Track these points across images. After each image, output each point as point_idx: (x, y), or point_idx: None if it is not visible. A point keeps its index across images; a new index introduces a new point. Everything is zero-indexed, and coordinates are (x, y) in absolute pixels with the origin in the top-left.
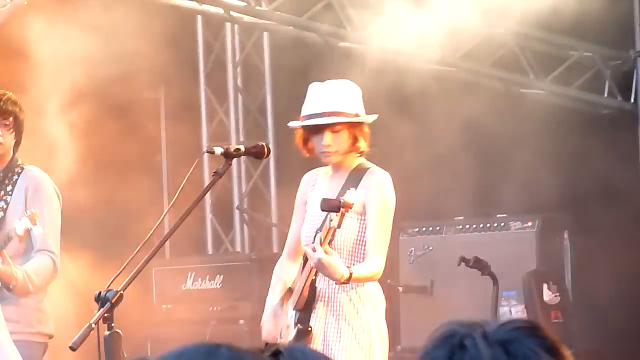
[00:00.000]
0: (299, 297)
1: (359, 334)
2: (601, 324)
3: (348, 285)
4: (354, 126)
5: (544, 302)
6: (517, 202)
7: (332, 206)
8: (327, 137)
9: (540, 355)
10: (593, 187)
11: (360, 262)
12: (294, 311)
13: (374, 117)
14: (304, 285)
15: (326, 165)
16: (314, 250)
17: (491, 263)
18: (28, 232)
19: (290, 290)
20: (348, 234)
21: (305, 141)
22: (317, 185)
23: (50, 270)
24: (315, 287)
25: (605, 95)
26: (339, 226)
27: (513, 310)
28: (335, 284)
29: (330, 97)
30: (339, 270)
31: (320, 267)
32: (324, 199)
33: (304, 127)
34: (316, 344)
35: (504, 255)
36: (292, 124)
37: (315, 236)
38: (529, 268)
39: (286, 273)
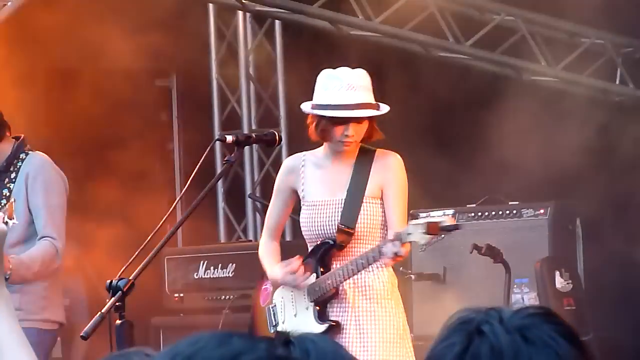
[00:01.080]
0: (322, 294)
1: (392, 314)
2: (613, 311)
3: (376, 266)
4: (374, 117)
5: (557, 290)
6: (530, 189)
7: (436, 231)
8: (353, 128)
9: (557, 342)
10: (605, 174)
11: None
12: (311, 303)
13: (387, 108)
14: (333, 286)
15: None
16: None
17: (503, 250)
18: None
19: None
20: (369, 219)
21: (320, 126)
22: (309, 172)
23: (51, 256)
24: (339, 288)
25: (617, 82)
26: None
27: (525, 297)
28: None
29: (357, 89)
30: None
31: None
32: (430, 224)
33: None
34: (349, 331)
35: (516, 243)
36: (318, 111)
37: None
38: (541, 255)
39: (272, 251)
